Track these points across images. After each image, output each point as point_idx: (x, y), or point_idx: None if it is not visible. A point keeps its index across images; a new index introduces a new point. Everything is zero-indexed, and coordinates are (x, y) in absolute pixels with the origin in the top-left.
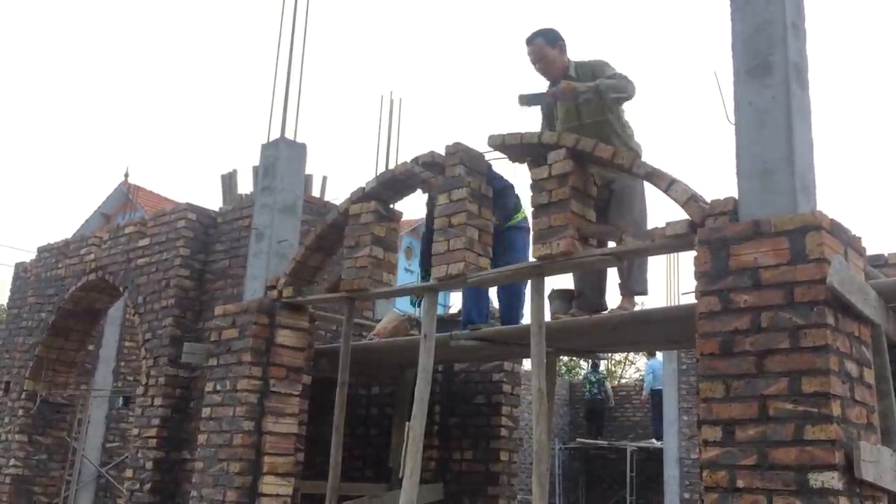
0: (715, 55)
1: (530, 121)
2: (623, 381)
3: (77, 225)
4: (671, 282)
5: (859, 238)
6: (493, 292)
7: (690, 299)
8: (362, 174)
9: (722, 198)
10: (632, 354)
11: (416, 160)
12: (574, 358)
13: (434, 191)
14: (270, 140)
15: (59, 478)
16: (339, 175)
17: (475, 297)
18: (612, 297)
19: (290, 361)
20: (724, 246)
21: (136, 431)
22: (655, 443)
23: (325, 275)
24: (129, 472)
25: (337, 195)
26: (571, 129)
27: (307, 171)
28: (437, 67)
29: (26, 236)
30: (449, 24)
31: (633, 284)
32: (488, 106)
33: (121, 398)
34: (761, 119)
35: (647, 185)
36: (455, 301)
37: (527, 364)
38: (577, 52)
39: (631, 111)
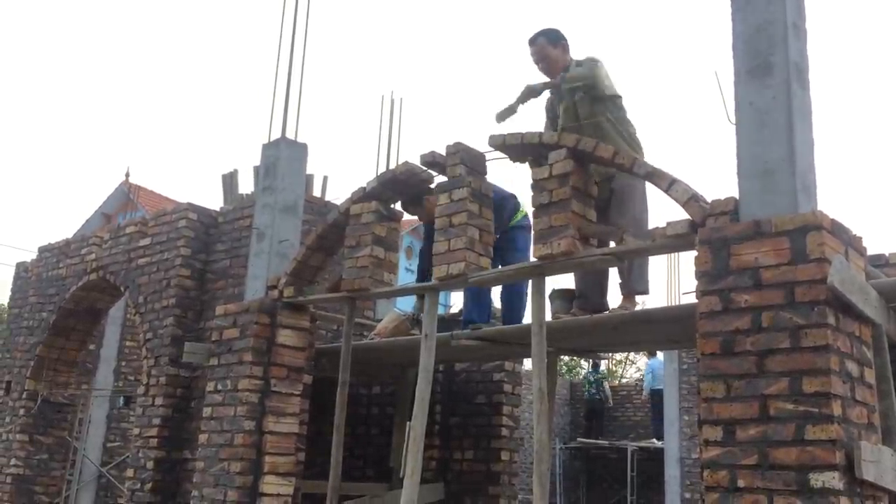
0: (715, 55)
1: (530, 121)
2: (623, 380)
3: (78, 225)
4: (672, 281)
5: (860, 238)
6: (494, 292)
7: (691, 299)
8: (363, 174)
9: (723, 198)
10: (632, 354)
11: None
12: (575, 357)
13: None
14: (271, 140)
15: (60, 477)
16: (340, 175)
17: (476, 297)
18: (613, 297)
19: (291, 361)
20: (724, 246)
21: (136, 431)
22: (656, 442)
23: (326, 274)
24: (129, 472)
25: (338, 195)
26: (571, 129)
27: (308, 171)
28: (438, 67)
29: (27, 236)
30: (449, 24)
31: (634, 284)
32: (489, 106)
33: (122, 398)
34: (762, 119)
35: (648, 185)
36: (456, 301)
37: (528, 364)
38: (579, 52)
39: (632, 111)
